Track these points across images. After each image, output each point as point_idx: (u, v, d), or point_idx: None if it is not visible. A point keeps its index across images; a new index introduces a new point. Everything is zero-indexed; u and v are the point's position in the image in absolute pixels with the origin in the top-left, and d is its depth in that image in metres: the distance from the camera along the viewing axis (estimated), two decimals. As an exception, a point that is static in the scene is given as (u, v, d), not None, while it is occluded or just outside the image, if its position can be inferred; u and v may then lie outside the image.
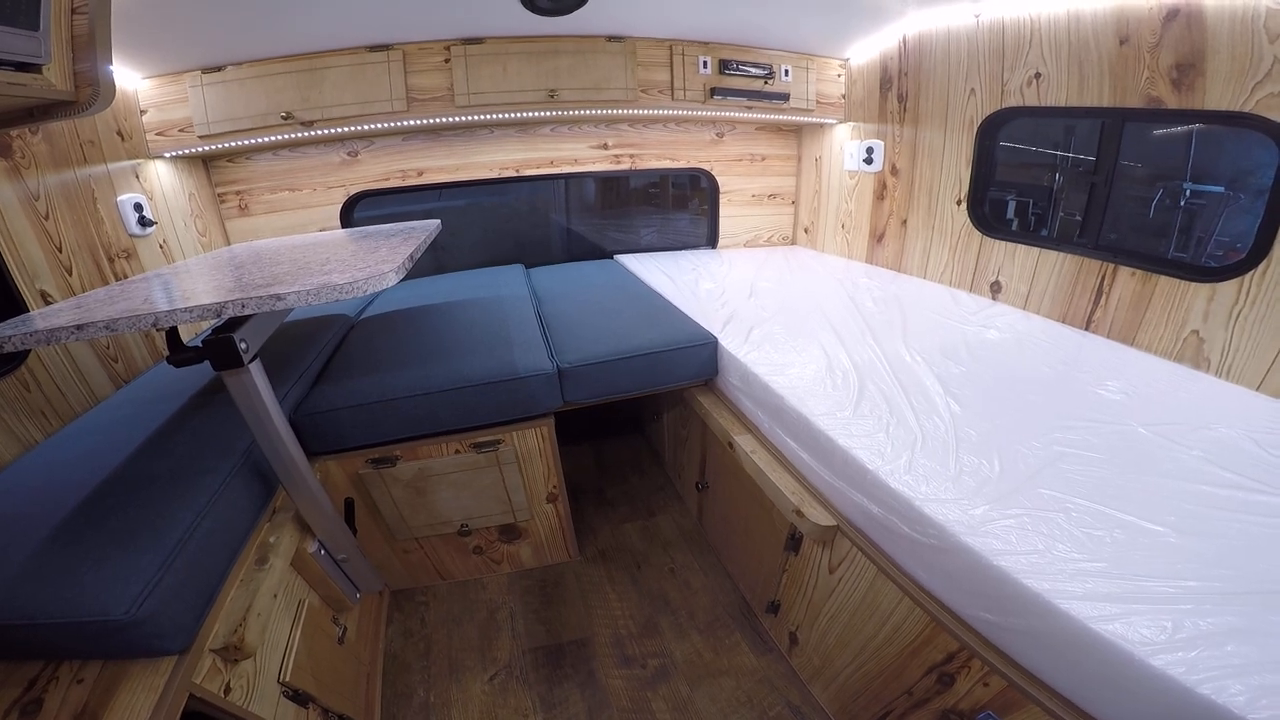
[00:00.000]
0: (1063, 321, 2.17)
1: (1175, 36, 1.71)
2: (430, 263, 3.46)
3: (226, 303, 1.06)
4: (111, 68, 1.24)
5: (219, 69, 2.42)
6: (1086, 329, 2.09)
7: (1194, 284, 1.76)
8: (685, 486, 2.65)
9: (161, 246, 2.40)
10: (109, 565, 1.06)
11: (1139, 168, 2.79)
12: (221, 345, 1.14)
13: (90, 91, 1.20)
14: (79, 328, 0.98)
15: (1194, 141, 2.81)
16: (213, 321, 1.20)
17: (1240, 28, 1.56)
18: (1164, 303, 1.84)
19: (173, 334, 1.23)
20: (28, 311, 1.62)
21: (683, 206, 3.99)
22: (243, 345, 1.17)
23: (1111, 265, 2.00)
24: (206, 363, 1.17)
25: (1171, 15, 1.71)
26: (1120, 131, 2.00)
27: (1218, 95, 1.64)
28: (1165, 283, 1.84)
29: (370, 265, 1.29)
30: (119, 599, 1.00)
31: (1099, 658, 0.87)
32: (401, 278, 1.24)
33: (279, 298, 1.08)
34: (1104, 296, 2.03)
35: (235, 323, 1.18)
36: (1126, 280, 1.95)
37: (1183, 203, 2.88)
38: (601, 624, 2.07)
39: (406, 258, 1.33)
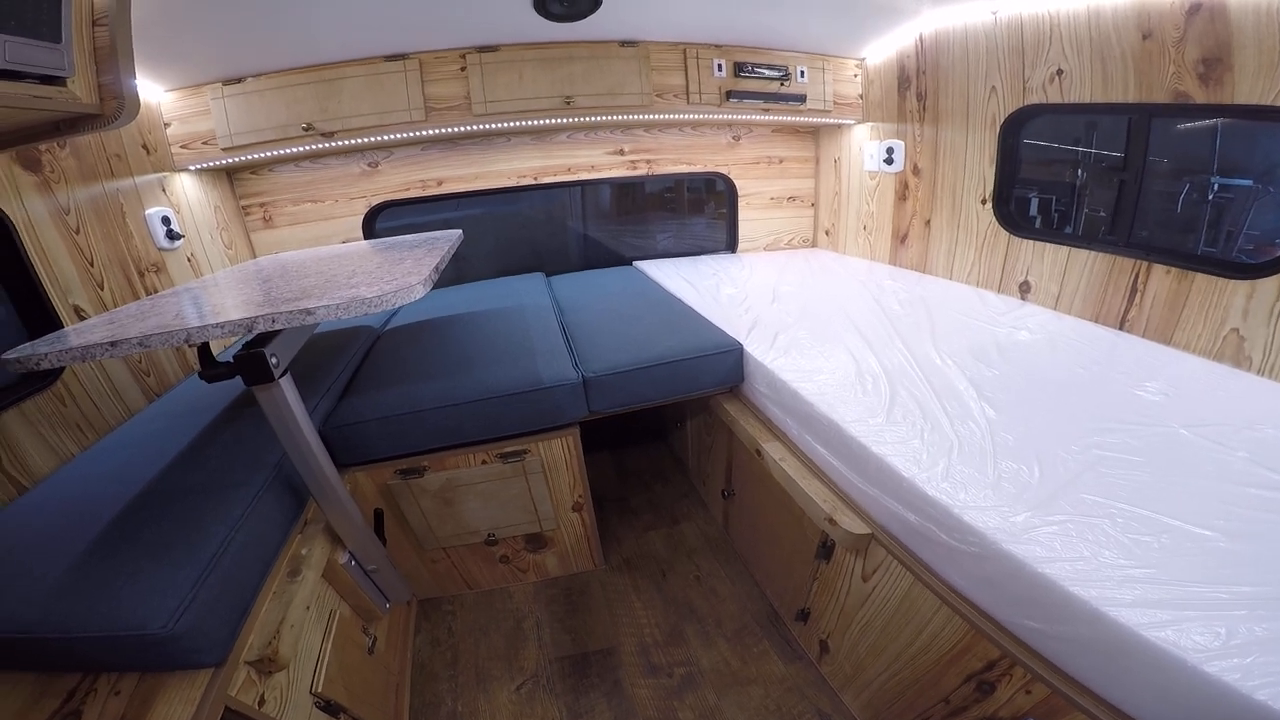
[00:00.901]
0: (1096, 321, 2.12)
1: (1199, 30, 1.68)
2: (451, 272, 3.47)
3: (257, 318, 1.07)
4: (135, 81, 1.25)
5: (239, 80, 2.45)
6: (1120, 328, 2.04)
7: (1233, 281, 1.71)
8: (710, 494, 2.63)
9: (189, 259, 2.43)
10: (144, 579, 1.07)
11: (1163, 162, 2.74)
12: (253, 360, 1.15)
13: (115, 104, 1.21)
14: (113, 344, 0.99)
15: (1219, 135, 2.75)
16: (243, 335, 1.20)
17: (1265, 20, 1.53)
18: (1201, 300, 1.80)
19: (204, 349, 1.23)
20: (61, 326, 1.65)
21: (699, 211, 3.97)
22: (273, 360, 1.17)
23: (1145, 263, 1.96)
24: (237, 376, 1.18)
25: (1194, 9, 1.68)
26: (1148, 127, 1.96)
27: (1247, 89, 1.61)
28: (1202, 280, 1.79)
29: (397, 278, 1.28)
30: (156, 613, 1.00)
31: (1150, 665, 0.85)
32: (428, 290, 1.24)
33: (309, 312, 1.08)
34: (1138, 295, 1.98)
35: (265, 337, 1.18)
36: (1161, 278, 1.91)
37: (1210, 197, 2.83)
38: (627, 633, 2.06)
39: (433, 269, 1.33)
